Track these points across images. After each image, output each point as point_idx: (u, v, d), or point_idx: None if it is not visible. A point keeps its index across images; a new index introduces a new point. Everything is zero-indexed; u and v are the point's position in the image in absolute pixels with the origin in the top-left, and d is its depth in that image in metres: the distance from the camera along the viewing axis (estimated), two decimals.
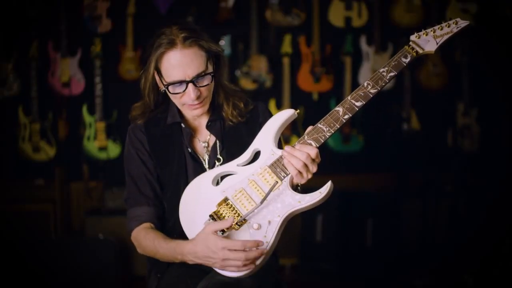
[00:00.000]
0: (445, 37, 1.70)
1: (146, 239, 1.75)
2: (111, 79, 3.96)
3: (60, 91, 3.91)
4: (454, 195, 3.98)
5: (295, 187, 1.66)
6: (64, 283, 3.26)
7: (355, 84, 4.06)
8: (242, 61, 4.01)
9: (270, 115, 1.89)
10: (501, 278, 3.29)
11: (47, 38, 3.92)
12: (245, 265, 1.56)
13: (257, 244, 1.57)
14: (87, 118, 3.93)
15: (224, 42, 3.97)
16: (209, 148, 1.85)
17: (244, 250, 1.55)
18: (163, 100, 1.86)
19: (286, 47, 4.04)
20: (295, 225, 3.78)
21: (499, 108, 4.16)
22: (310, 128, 1.66)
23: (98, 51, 3.91)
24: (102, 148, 3.89)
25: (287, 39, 4.04)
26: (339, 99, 4.04)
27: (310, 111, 3.96)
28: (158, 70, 1.74)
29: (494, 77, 4.13)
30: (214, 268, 1.62)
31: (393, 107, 4.09)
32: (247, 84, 3.99)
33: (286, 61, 4.04)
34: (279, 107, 4.03)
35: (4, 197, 3.90)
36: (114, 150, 3.89)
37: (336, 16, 4.06)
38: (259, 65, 4.01)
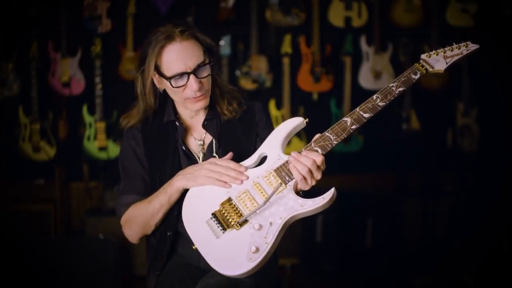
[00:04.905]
0: (455, 58, 1.76)
1: (137, 205, 1.82)
2: (111, 79, 3.96)
3: (60, 91, 3.91)
4: (454, 195, 3.98)
5: (298, 193, 1.67)
6: (64, 283, 3.25)
7: (355, 84, 4.06)
8: (242, 61, 4.01)
9: (267, 115, 1.95)
10: (501, 278, 3.29)
11: (47, 38, 3.92)
12: (223, 180, 1.69)
13: (239, 166, 1.70)
14: (87, 118, 3.93)
15: (224, 42, 3.97)
16: (205, 146, 1.88)
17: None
18: (160, 102, 1.89)
19: (286, 47, 4.04)
20: (295, 225, 3.75)
21: (499, 108, 4.16)
22: (317, 135, 1.69)
23: (98, 51, 3.90)
24: (102, 148, 3.89)
25: (287, 39, 4.04)
26: (339, 99, 4.05)
27: (310, 111, 3.96)
28: (157, 68, 1.76)
29: (494, 77, 4.13)
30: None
31: (393, 107, 4.08)
32: (247, 84, 3.99)
33: (286, 61, 4.04)
34: (279, 107, 4.03)
35: (4, 197, 3.90)
36: (114, 150, 3.89)
37: (336, 16, 4.05)
38: (259, 65, 4.00)
